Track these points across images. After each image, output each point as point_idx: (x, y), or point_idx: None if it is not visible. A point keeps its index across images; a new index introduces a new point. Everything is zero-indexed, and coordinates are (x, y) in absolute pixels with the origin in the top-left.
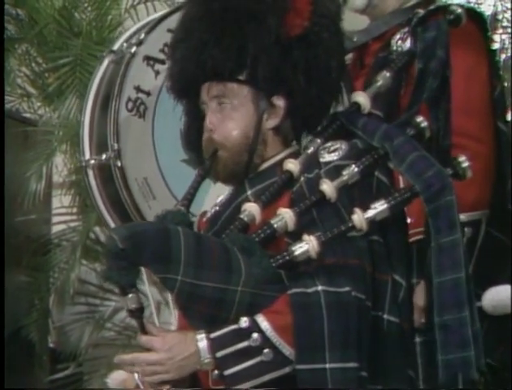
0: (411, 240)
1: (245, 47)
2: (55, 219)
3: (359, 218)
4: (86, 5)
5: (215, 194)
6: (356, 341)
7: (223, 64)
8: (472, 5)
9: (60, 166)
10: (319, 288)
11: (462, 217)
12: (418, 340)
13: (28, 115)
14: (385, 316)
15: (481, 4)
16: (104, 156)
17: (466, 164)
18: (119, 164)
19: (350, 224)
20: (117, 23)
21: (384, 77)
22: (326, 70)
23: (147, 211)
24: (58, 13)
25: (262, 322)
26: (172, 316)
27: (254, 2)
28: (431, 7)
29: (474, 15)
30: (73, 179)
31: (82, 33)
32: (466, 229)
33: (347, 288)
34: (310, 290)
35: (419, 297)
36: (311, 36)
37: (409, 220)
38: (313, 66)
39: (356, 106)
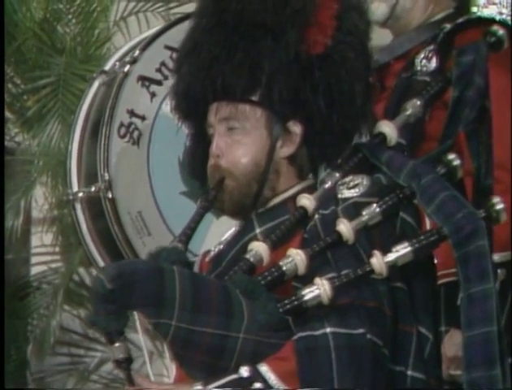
0: (439, 282)
1: (260, 64)
2: (35, 260)
3: (379, 261)
4: (70, 17)
5: (218, 231)
6: (369, 387)
7: (234, 82)
8: (504, 17)
9: (40, 199)
10: (328, 329)
11: (495, 257)
12: None
13: (4, 143)
14: (409, 372)
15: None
16: (93, 188)
17: (500, 206)
18: (110, 196)
19: (368, 268)
20: (105, 38)
21: (413, 106)
22: (350, 94)
23: (141, 249)
24: (38, 26)
25: (266, 372)
26: (166, 368)
27: (271, 14)
28: (459, 20)
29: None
30: (55, 214)
31: (65, 50)
32: (499, 271)
33: (361, 330)
34: (317, 333)
35: (448, 347)
36: (335, 55)
37: (435, 261)
38: (335, 89)
39: (381, 137)
